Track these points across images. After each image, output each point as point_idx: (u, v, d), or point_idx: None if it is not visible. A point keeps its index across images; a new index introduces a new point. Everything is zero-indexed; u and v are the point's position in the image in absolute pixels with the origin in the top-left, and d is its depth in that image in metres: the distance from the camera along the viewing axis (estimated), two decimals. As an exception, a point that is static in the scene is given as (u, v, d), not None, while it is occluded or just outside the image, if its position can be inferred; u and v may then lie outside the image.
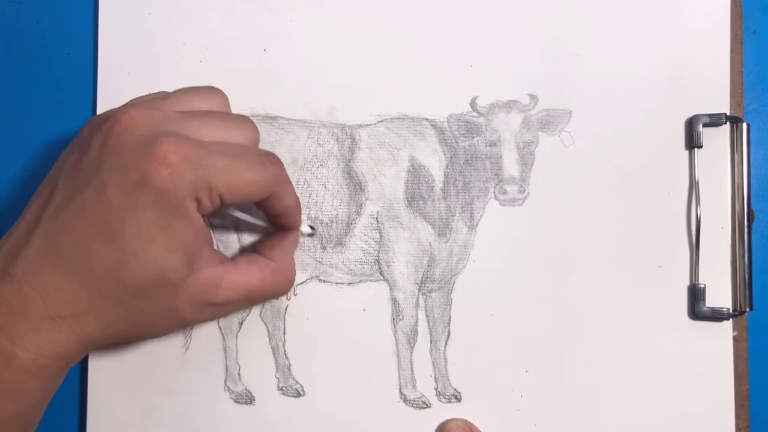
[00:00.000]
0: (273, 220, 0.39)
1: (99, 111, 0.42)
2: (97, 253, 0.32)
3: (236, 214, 0.38)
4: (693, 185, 0.40)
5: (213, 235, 0.41)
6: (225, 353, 0.41)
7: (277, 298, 0.40)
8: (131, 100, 0.36)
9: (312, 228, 0.41)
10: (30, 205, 0.34)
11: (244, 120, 0.37)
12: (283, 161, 0.41)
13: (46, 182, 0.35)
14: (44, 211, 0.33)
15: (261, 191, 0.35)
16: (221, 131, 0.35)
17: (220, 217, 0.40)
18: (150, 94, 0.37)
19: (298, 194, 0.41)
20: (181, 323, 0.36)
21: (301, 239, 0.41)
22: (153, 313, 0.34)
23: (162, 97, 0.36)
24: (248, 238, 0.41)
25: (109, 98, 0.42)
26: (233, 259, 0.37)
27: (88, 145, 0.33)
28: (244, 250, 0.41)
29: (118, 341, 0.35)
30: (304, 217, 0.41)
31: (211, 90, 0.37)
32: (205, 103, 0.36)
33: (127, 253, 0.32)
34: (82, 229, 0.32)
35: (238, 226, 0.41)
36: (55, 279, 0.32)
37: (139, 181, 0.31)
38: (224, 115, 0.37)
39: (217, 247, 0.41)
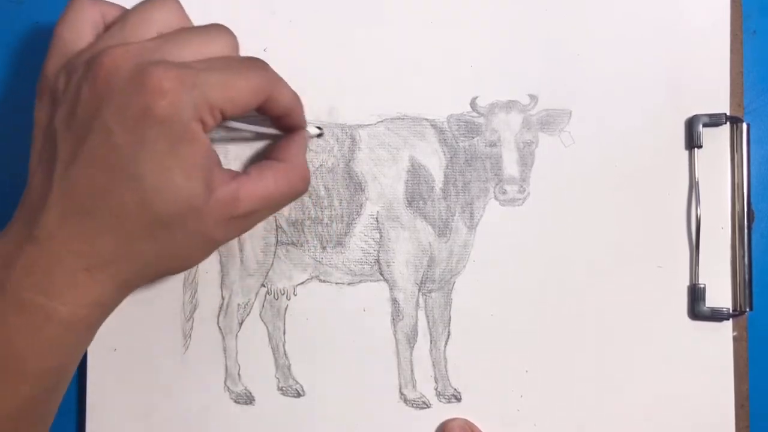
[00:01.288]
0: (278, 123, 0.38)
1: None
2: (118, 197, 0.32)
3: (243, 127, 0.38)
4: (693, 185, 0.40)
5: None
6: (225, 353, 0.41)
7: (298, 198, 0.39)
8: (96, 41, 0.35)
9: (319, 129, 0.40)
10: (34, 171, 0.34)
11: (218, 29, 0.36)
12: (283, 161, 0.41)
13: (40, 145, 0.34)
14: (52, 171, 0.32)
15: (257, 96, 0.34)
16: (200, 47, 0.34)
17: (232, 132, 0.40)
18: (107, 29, 0.36)
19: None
20: (214, 245, 0.36)
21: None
22: (185, 243, 0.34)
23: (120, 27, 0.35)
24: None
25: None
26: (245, 171, 0.36)
27: (76, 95, 0.32)
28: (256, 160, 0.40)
29: (158, 277, 0.36)
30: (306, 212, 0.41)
31: (167, 6, 0.36)
32: (162, 15, 0.36)
33: (148, 190, 0.32)
34: (96, 178, 0.32)
35: (247, 138, 0.40)
36: (81, 232, 0.32)
37: (141, 117, 0.31)
38: (196, 29, 0.36)
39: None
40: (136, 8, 0.36)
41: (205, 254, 0.36)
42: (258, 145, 0.41)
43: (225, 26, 0.36)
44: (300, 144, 0.38)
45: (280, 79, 0.36)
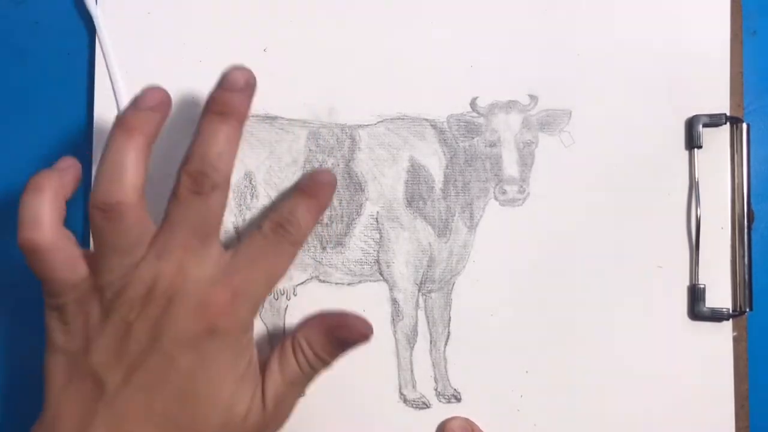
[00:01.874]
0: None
1: (97, 112, 0.41)
2: (173, 420, 0.32)
3: None
4: (693, 185, 0.40)
5: None
6: (225, 353, 0.41)
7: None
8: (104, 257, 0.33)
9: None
10: (58, 400, 0.32)
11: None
12: (282, 161, 0.41)
13: (65, 376, 0.33)
14: (95, 400, 0.31)
15: (292, 261, 0.35)
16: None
17: None
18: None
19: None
20: None
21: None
22: None
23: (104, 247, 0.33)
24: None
25: (108, 98, 0.42)
26: (263, 366, 0.36)
27: (125, 328, 0.32)
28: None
29: None
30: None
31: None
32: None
33: (202, 406, 0.32)
34: (154, 402, 0.31)
35: None
36: None
37: (203, 335, 0.32)
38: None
39: None
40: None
41: None
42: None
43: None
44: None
45: (315, 216, 0.36)
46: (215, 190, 0.33)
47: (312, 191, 0.35)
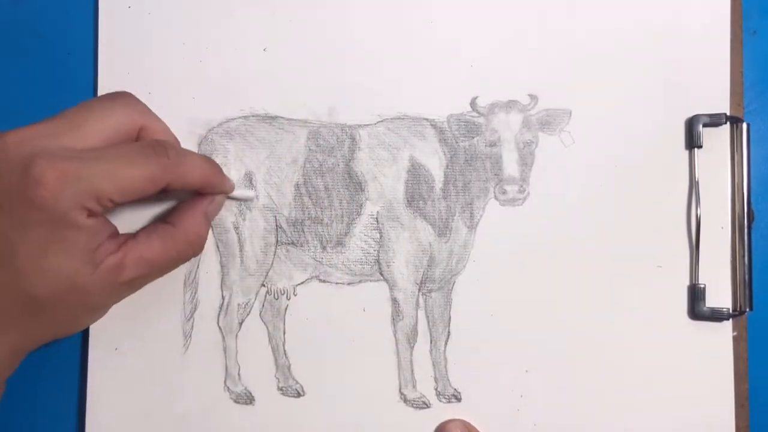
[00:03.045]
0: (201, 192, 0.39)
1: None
2: None
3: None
4: (693, 185, 0.40)
5: (213, 236, 0.41)
6: (225, 353, 0.41)
7: (189, 260, 0.40)
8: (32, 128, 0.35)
9: (249, 188, 0.41)
10: None
11: (119, 100, 0.37)
12: (283, 161, 0.41)
13: None
14: None
15: (152, 184, 0.35)
16: (98, 124, 0.35)
17: None
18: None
19: (299, 194, 0.41)
20: (102, 311, 0.39)
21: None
22: (72, 312, 0.36)
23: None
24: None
25: (109, 98, 0.42)
26: (135, 233, 0.37)
27: None
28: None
29: (46, 341, 0.37)
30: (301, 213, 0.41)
31: (124, 102, 0.38)
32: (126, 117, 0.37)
33: (22, 271, 0.33)
34: None
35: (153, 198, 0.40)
36: None
37: (23, 204, 0.33)
38: (94, 105, 0.37)
39: (217, 248, 0.41)
40: (90, 104, 0.37)
41: (95, 318, 0.39)
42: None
43: (130, 95, 0.38)
44: (197, 208, 0.39)
45: (183, 164, 0.36)
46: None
47: (215, 167, 0.39)
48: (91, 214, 0.34)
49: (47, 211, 0.33)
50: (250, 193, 0.41)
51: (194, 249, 0.39)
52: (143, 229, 0.38)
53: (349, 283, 0.41)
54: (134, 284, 0.37)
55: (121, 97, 0.38)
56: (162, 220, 0.39)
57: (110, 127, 0.36)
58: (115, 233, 0.36)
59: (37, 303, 0.34)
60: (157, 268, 0.37)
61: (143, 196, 0.35)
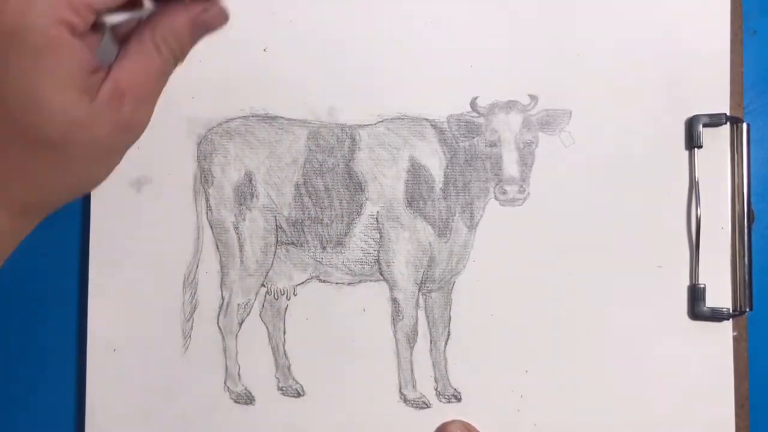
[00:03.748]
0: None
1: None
2: None
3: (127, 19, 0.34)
4: (693, 185, 0.40)
5: (213, 236, 0.41)
6: (225, 353, 0.41)
7: (200, 39, 0.35)
8: None
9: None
10: None
11: None
12: (283, 161, 0.41)
13: None
14: None
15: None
16: None
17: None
18: None
19: (299, 194, 0.41)
20: (113, 154, 0.33)
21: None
22: (80, 159, 0.31)
23: None
24: None
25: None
26: (117, 56, 0.32)
27: None
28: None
29: (64, 200, 0.33)
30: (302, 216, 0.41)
31: None
32: None
33: (17, 110, 0.30)
34: None
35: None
36: None
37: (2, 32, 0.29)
38: None
39: (217, 248, 0.41)
40: None
41: (108, 168, 0.33)
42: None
43: None
44: (179, 12, 0.33)
45: None
46: None
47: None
48: (73, 30, 0.30)
49: (22, 33, 0.28)
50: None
51: (176, 57, 0.34)
52: (120, 51, 0.33)
53: (349, 283, 0.41)
54: (139, 114, 0.32)
55: None
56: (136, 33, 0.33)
57: None
58: (97, 65, 0.32)
59: (41, 144, 0.30)
60: (154, 84, 0.33)
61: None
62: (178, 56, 0.34)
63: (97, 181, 0.34)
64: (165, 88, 0.40)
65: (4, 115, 0.30)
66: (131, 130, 0.33)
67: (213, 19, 0.34)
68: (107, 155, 0.33)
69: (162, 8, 0.33)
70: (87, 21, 0.30)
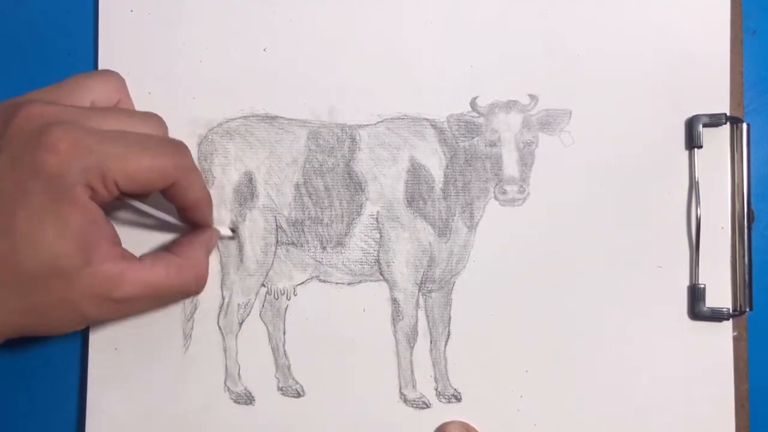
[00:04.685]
0: (182, 214, 0.38)
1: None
2: None
3: (144, 209, 0.37)
4: (693, 185, 0.40)
5: None
6: (225, 353, 0.41)
7: (189, 297, 0.40)
8: (31, 93, 0.36)
9: (233, 230, 0.41)
10: None
11: (149, 115, 0.37)
12: (283, 161, 0.41)
13: None
14: None
15: (160, 178, 0.35)
16: (122, 123, 0.35)
17: (139, 216, 0.40)
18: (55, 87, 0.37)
19: (299, 194, 0.41)
20: (81, 319, 0.35)
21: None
22: (48, 305, 0.33)
23: (57, 87, 0.36)
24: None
25: (109, 98, 0.42)
26: (140, 257, 0.36)
27: None
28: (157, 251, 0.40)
29: (13, 335, 0.34)
30: (295, 216, 0.41)
31: (106, 78, 0.38)
32: (99, 86, 0.37)
33: (18, 241, 0.32)
34: None
35: (154, 225, 0.40)
36: None
37: (30, 170, 0.32)
38: (129, 111, 0.37)
39: (217, 248, 0.41)
40: (78, 74, 0.37)
41: (70, 327, 0.35)
42: (168, 237, 0.41)
43: (158, 116, 0.37)
44: (202, 242, 0.38)
45: (195, 171, 0.37)
46: None
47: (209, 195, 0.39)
48: (93, 195, 0.33)
49: (52, 180, 0.32)
50: (228, 233, 0.41)
51: (198, 284, 0.38)
52: (148, 254, 0.37)
53: (349, 283, 0.41)
54: (128, 306, 0.35)
55: (99, 74, 0.38)
56: (164, 250, 0.38)
57: (88, 101, 0.36)
58: (116, 240, 0.35)
59: (25, 278, 0.32)
60: (156, 295, 0.36)
61: (148, 189, 0.35)
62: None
63: (58, 333, 0.35)
64: (165, 89, 0.41)
65: (8, 243, 0.32)
66: (109, 313, 0.35)
67: (214, 244, 0.40)
68: (77, 317, 0.34)
69: (189, 231, 0.39)
70: (110, 195, 0.34)
